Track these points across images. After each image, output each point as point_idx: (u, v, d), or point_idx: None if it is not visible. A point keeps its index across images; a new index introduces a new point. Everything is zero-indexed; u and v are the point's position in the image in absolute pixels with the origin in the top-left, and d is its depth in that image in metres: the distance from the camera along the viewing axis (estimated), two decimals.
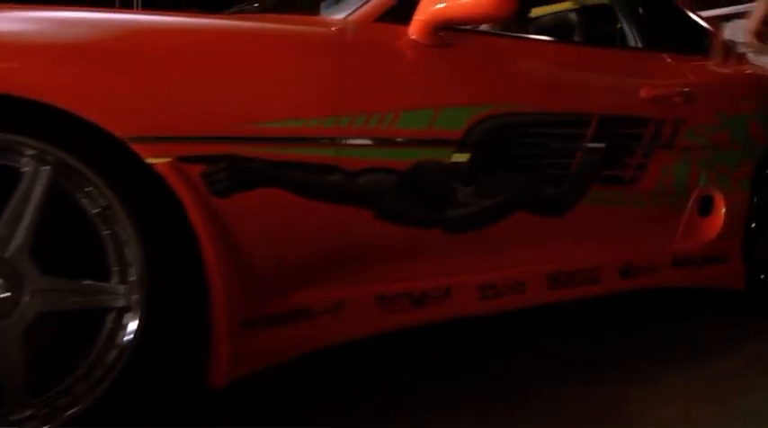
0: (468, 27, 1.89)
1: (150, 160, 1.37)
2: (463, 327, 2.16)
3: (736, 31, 2.64)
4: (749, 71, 2.69)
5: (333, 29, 1.69)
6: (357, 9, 1.77)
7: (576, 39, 2.58)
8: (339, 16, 1.76)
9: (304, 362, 1.63)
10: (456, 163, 1.78)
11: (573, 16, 2.65)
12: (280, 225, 1.56)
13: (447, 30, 1.79)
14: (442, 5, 1.72)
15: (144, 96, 1.39)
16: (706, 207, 2.42)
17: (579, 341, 2.27)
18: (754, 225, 2.54)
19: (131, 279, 1.39)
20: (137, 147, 1.36)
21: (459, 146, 1.78)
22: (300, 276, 1.62)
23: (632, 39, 2.44)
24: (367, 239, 1.68)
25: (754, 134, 2.50)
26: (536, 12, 2.75)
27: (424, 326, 1.82)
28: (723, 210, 2.41)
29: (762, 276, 2.57)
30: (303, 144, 1.55)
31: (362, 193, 1.64)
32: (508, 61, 1.95)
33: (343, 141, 1.60)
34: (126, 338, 1.38)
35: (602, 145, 2.08)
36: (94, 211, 1.36)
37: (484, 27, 2.44)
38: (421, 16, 1.74)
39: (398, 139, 1.68)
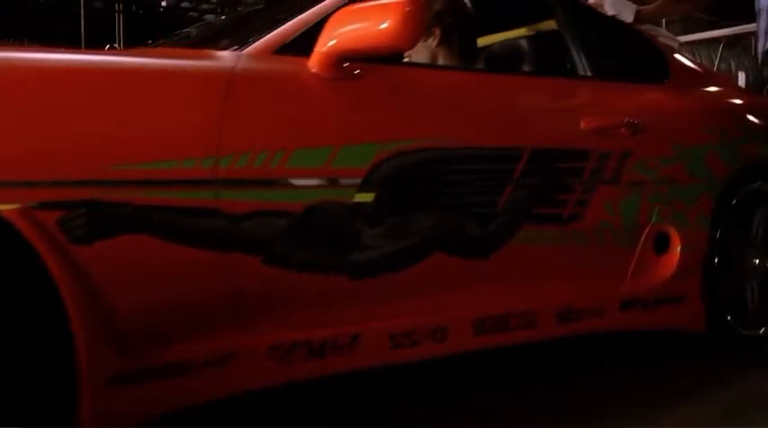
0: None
1: None
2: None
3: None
4: (713, 98, 2.55)
5: (221, 62, 1.59)
6: (257, 40, 1.68)
7: (527, 67, 2.46)
8: (239, 48, 1.67)
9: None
10: (359, 203, 1.66)
11: (524, 44, 2.53)
12: (151, 273, 1.45)
13: (355, 60, 1.69)
14: (341, 38, 1.62)
15: None
16: (662, 244, 2.28)
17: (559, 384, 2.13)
18: (716, 262, 2.38)
19: None
20: None
21: (363, 185, 1.66)
22: (180, 327, 1.51)
23: (581, 67, 2.31)
24: (256, 287, 1.57)
25: (714, 167, 2.35)
26: (486, 40, 2.63)
27: (330, 377, 1.70)
28: (679, 248, 2.26)
29: (728, 317, 2.41)
30: (177, 187, 1.45)
31: (247, 238, 1.53)
32: (423, 93, 1.83)
33: (224, 183, 1.50)
34: None
35: (534, 181, 1.95)
36: None
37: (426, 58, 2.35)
38: (321, 48, 1.64)
39: (290, 180, 1.58)
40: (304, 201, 1.59)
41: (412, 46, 1.62)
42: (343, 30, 1.62)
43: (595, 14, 2.48)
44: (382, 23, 1.57)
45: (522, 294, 1.98)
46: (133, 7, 4.07)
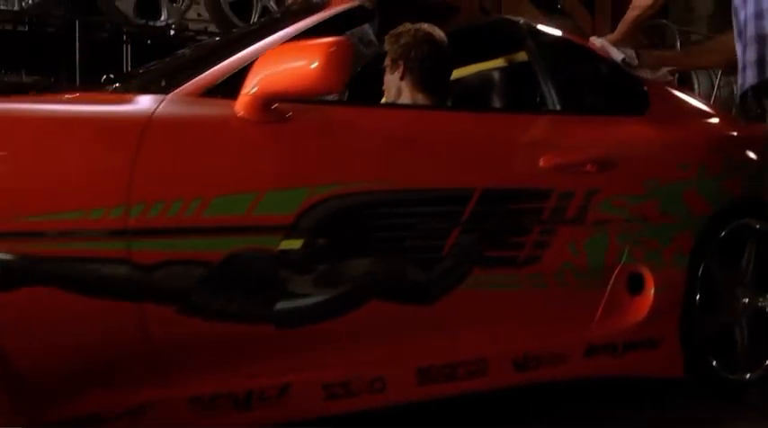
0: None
1: None
2: None
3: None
4: (696, 131, 2.43)
5: (139, 107, 1.56)
6: (184, 82, 1.65)
7: (498, 100, 2.38)
8: (165, 91, 1.64)
9: None
10: (285, 251, 1.61)
11: (496, 76, 2.45)
12: (58, 326, 1.42)
13: (283, 102, 1.64)
14: (266, 80, 1.57)
15: None
16: (638, 284, 2.17)
17: None
18: (698, 302, 2.26)
19: None
20: None
21: (290, 231, 1.61)
22: (91, 380, 1.47)
23: (550, 100, 2.22)
24: (171, 337, 1.52)
25: (693, 203, 2.23)
26: (459, 72, 2.55)
27: None
28: (653, 289, 2.15)
29: (713, 361, 2.28)
30: (84, 238, 1.42)
31: (159, 289, 1.49)
32: (361, 133, 1.77)
33: (135, 233, 1.46)
34: None
35: (486, 223, 1.87)
36: None
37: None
38: (246, 91, 1.60)
39: (207, 228, 1.53)
40: (223, 250, 1.54)
41: (337, 88, 1.57)
42: (268, 72, 1.58)
43: (569, 45, 2.39)
44: (307, 65, 1.52)
45: (472, 341, 1.89)
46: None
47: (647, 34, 5.97)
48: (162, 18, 4.17)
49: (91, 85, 2.23)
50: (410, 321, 1.80)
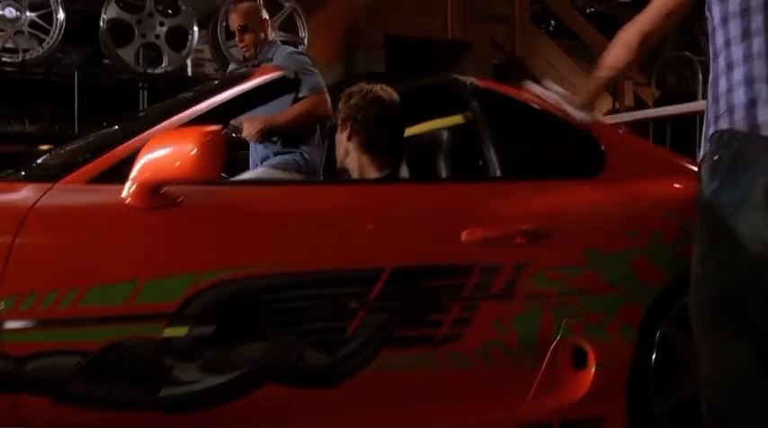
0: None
1: None
2: None
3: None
4: (655, 193, 2.31)
5: (20, 197, 1.58)
6: (73, 170, 1.66)
7: (441, 162, 2.32)
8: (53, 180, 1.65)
9: None
10: (169, 338, 1.59)
11: (445, 137, 2.39)
12: None
13: (170, 186, 1.63)
14: (148, 166, 1.57)
15: None
16: (583, 359, 2.07)
17: None
18: (653, 377, 2.14)
19: None
20: None
21: (174, 319, 1.59)
22: None
23: (491, 164, 2.15)
24: None
25: (643, 273, 2.11)
26: (410, 131, 2.49)
27: None
28: (595, 365, 2.04)
29: None
30: None
31: (35, 380, 1.49)
32: (256, 214, 1.75)
33: (5, 325, 1.47)
34: None
35: (396, 302, 1.81)
36: None
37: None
38: (132, 177, 1.60)
39: (84, 318, 1.53)
40: (102, 339, 1.54)
41: (212, 175, 1.55)
42: (151, 157, 1.57)
43: (516, 105, 2.31)
44: (186, 151, 1.52)
45: (383, 424, 1.83)
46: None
47: (671, 66, 5.79)
48: (163, 65, 4.26)
49: None
50: (312, 405, 1.75)
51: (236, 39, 3.29)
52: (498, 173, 2.13)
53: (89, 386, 1.54)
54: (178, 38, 4.33)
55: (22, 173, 1.84)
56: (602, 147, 2.31)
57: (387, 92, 2.34)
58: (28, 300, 1.49)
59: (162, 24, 4.27)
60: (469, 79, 2.31)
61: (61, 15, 3.89)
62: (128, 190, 1.60)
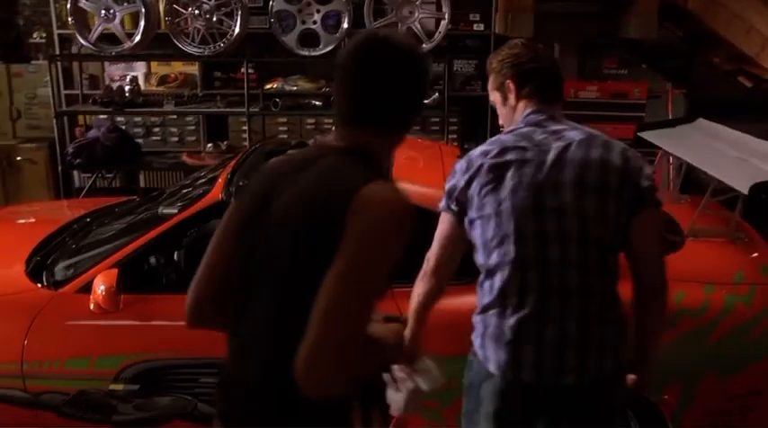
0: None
1: None
2: None
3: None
4: None
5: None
6: (72, 281, 2.78)
7: None
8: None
9: None
10: (113, 390, 2.71)
11: None
12: None
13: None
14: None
15: None
16: None
17: None
18: None
19: None
20: None
21: (115, 379, 2.70)
22: None
23: None
24: None
25: None
26: None
27: None
28: None
29: None
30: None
31: (44, 405, 2.73)
32: (162, 317, 2.71)
33: (27, 377, 2.71)
34: None
35: None
36: None
37: None
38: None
39: (65, 375, 2.70)
40: (75, 387, 2.71)
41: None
42: None
43: None
44: None
45: None
46: None
47: None
48: (320, 47, 5.06)
49: None
50: None
51: None
52: None
53: (73, 410, 2.74)
54: (332, 22, 5.05)
55: None
56: None
57: None
58: (36, 363, 2.70)
59: (318, 11, 5.01)
60: None
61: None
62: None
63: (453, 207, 2.01)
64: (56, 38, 6.10)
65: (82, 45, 5.18)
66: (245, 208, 1.59)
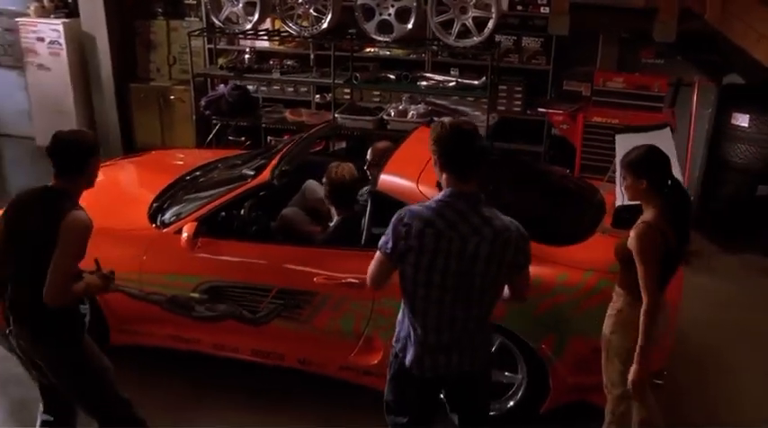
0: None
1: None
2: None
3: None
4: None
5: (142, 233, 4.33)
6: (171, 225, 4.34)
7: None
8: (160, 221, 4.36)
9: None
10: (192, 296, 4.27)
11: None
12: None
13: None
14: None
15: None
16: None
17: None
18: None
19: None
20: None
21: (193, 290, 4.26)
22: None
23: None
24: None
25: None
26: None
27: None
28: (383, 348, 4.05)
29: None
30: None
31: (150, 300, 4.35)
32: (224, 255, 4.21)
33: (145, 281, 4.33)
34: None
35: (284, 299, 4.14)
36: None
37: None
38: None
39: (165, 284, 4.29)
40: (170, 293, 4.30)
41: None
42: None
43: None
44: None
45: (278, 345, 4.27)
46: None
47: None
48: (393, 34, 6.23)
49: None
50: (247, 331, 4.29)
51: None
52: None
53: (168, 306, 4.33)
54: (404, 14, 6.17)
55: None
56: None
57: None
58: (148, 275, 4.31)
59: (393, 6, 6.12)
60: None
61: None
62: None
63: None
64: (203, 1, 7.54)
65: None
66: None
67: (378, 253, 2.88)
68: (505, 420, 4.03)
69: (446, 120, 2.92)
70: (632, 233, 3.12)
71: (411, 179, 4.09)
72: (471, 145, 2.79)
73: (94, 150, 3.22)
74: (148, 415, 3.55)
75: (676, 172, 3.82)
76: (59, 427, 3.50)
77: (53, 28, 8.08)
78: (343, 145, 7.10)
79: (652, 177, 3.12)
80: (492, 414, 3.68)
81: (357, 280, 3.91)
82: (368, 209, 4.09)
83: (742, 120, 6.15)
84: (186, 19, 8.24)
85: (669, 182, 3.16)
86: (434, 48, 6.81)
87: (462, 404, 3.19)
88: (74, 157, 3.13)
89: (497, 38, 6.74)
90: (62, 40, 8.08)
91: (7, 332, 3.28)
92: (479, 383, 3.13)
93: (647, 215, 3.14)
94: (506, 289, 2.96)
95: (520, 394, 4.04)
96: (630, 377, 3.17)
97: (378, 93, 7.45)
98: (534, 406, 4.02)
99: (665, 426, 3.65)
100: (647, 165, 3.13)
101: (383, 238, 2.84)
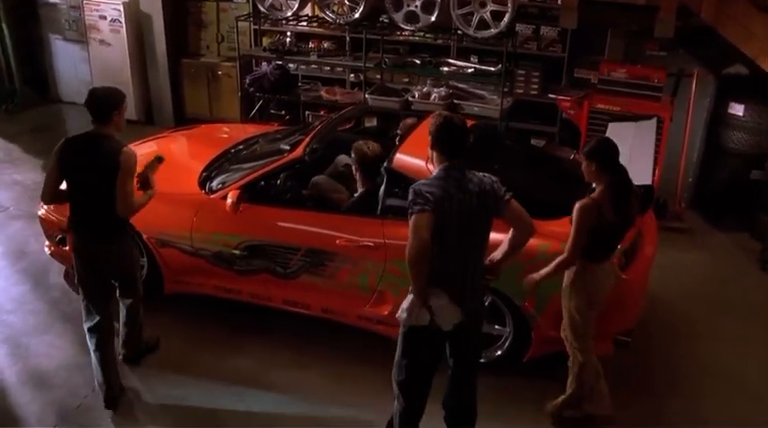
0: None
1: None
2: None
3: None
4: None
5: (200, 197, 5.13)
6: (217, 192, 5.12)
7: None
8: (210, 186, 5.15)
9: None
10: (234, 253, 5.06)
11: None
12: None
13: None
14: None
15: None
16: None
17: None
18: None
19: None
20: None
21: (235, 248, 5.05)
22: None
23: None
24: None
25: None
26: None
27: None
28: (393, 302, 4.80)
29: None
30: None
31: (199, 255, 5.15)
32: (262, 218, 4.98)
33: (195, 238, 5.13)
34: None
35: (307, 259, 4.90)
36: None
37: None
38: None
39: (211, 241, 5.09)
40: (215, 249, 5.10)
41: None
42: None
43: None
44: None
45: (307, 296, 5.05)
46: None
47: None
48: (419, 23, 6.88)
49: None
50: (281, 284, 5.07)
51: None
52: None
53: (214, 260, 5.14)
54: (429, 6, 6.80)
55: None
56: None
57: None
58: (198, 233, 5.11)
59: None
60: None
61: None
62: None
63: None
64: None
65: None
66: None
67: (414, 217, 3.35)
68: (494, 366, 4.76)
69: (441, 112, 3.70)
70: (576, 204, 3.82)
71: (422, 158, 4.78)
72: (458, 131, 3.54)
73: (117, 105, 4.16)
74: (194, 355, 4.47)
75: (646, 160, 4.47)
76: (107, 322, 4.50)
77: (114, 7, 8.89)
78: (374, 122, 7.81)
79: (600, 161, 3.82)
80: (482, 361, 4.40)
81: (372, 244, 4.67)
82: (384, 182, 4.80)
83: (738, 110, 6.69)
84: (234, 1, 8.97)
85: (616, 167, 3.84)
86: (458, 35, 7.44)
87: (461, 349, 3.86)
88: (101, 109, 4.11)
89: (517, 27, 7.33)
90: (122, 19, 8.89)
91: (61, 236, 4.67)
92: (477, 329, 3.86)
93: (595, 193, 3.85)
94: (511, 237, 3.71)
95: (506, 345, 4.76)
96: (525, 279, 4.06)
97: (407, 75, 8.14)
98: (518, 356, 4.74)
99: (610, 410, 4.34)
100: (597, 152, 3.85)
101: (415, 206, 3.36)
